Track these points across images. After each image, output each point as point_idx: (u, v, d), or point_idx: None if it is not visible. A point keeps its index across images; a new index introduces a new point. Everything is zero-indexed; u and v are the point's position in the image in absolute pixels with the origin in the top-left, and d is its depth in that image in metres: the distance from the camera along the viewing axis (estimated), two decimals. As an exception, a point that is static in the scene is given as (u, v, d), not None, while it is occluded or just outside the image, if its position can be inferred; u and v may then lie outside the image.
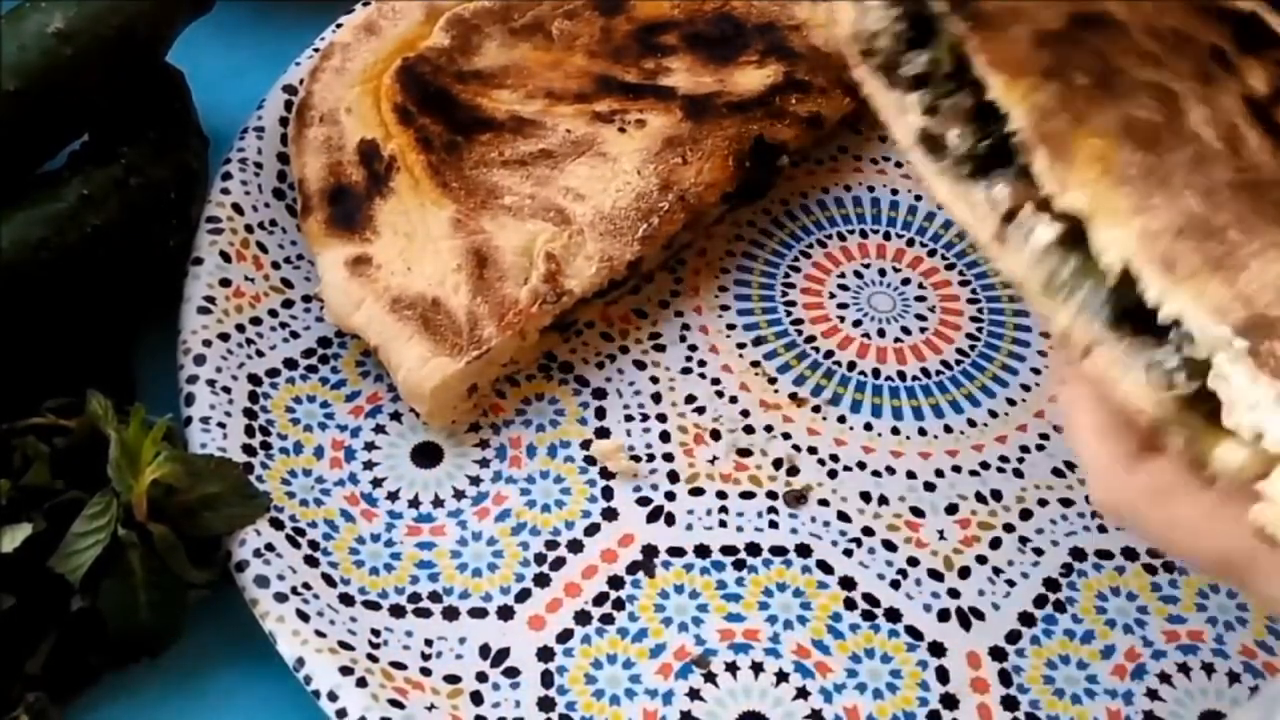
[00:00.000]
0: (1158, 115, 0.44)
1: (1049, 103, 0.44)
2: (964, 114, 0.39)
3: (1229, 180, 0.43)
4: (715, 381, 0.63)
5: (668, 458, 0.60)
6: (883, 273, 0.67)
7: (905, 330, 0.65)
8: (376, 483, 0.58)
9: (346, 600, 0.54)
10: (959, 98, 0.42)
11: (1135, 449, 0.40)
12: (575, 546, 0.57)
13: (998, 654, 0.54)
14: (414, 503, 0.58)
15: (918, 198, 0.70)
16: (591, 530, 0.57)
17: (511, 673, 0.53)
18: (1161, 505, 0.39)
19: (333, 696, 0.49)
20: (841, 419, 0.62)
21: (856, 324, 0.65)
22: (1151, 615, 0.56)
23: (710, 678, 0.53)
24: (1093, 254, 0.41)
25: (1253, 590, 0.38)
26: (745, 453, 0.60)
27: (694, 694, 0.53)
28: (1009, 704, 0.53)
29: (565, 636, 0.54)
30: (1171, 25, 0.46)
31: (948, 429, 0.62)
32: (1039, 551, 0.58)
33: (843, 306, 0.66)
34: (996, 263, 0.40)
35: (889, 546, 0.57)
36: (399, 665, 0.52)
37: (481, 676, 0.53)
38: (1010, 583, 0.57)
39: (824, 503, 0.59)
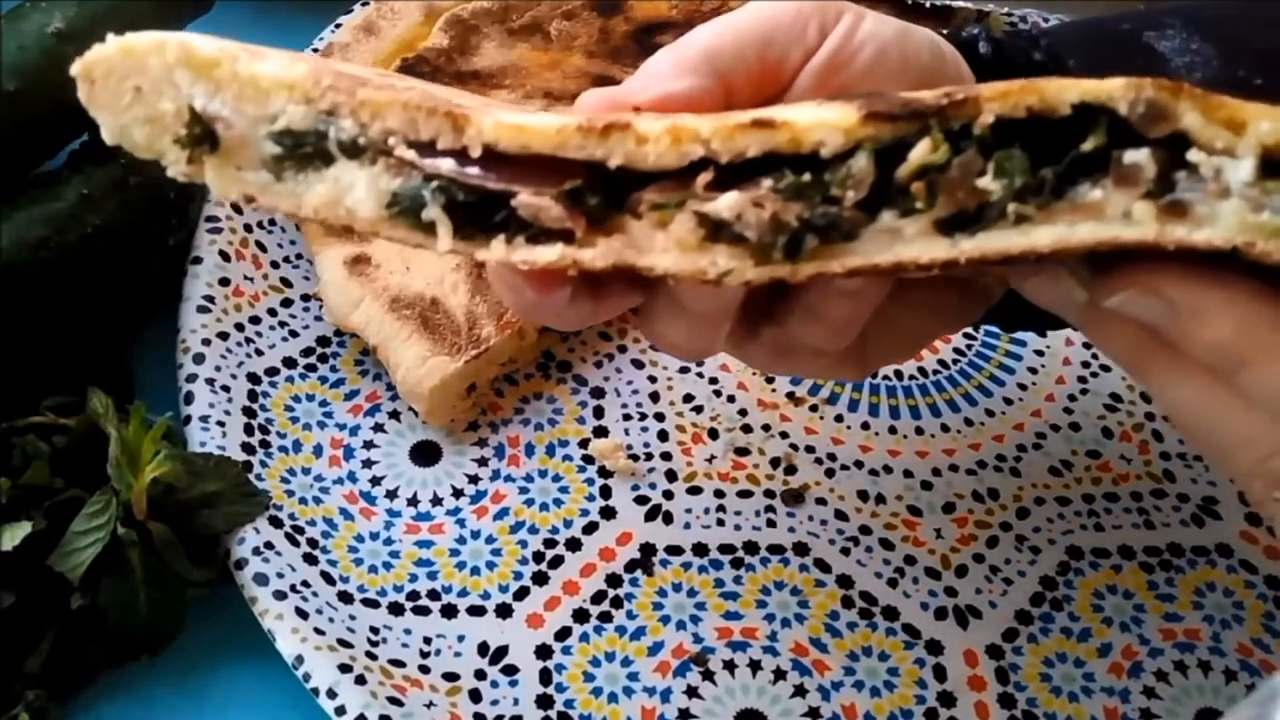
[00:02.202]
0: None
1: None
2: (973, 172, 0.38)
3: None
4: (713, 381, 0.63)
5: (666, 456, 0.60)
6: (880, 272, 0.67)
7: (903, 330, 0.65)
8: (375, 481, 0.58)
9: (345, 598, 0.54)
10: (958, 170, 0.39)
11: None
12: (573, 545, 0.57)
13: (995, 652, 0.55)
14: (413, 501, 0.58)
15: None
16: (590, 529, 0.57)
17: (510, 670, 0.53)
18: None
19: (331, 694, 0.49)
20: (839, 418, 0.62)
21: (854, 323, 0.65)
22: (1148, 613, 0.56)
23: (708, 675, 0.53)
24: None
25: None
26: (743, 452, 0.60)
27: (692, 692, 0.53)
28: (1006, 701, 0.53)
29: (563, 634, 0.54)
30: None
31: (945, 428, 0.62)
32: (1036, 550, 0.58)
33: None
34: (1188, 238, 0.35)
35: (886, 545, 0.58)
36: (398, 663, 0.52)
37: (480, 674, 0.53)
38: (1007, 581, 0.57)
39: (821, 501, 0.59)
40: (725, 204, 0.36)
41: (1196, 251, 0.35)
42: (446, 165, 0.36)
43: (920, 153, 0.35)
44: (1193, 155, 0.35)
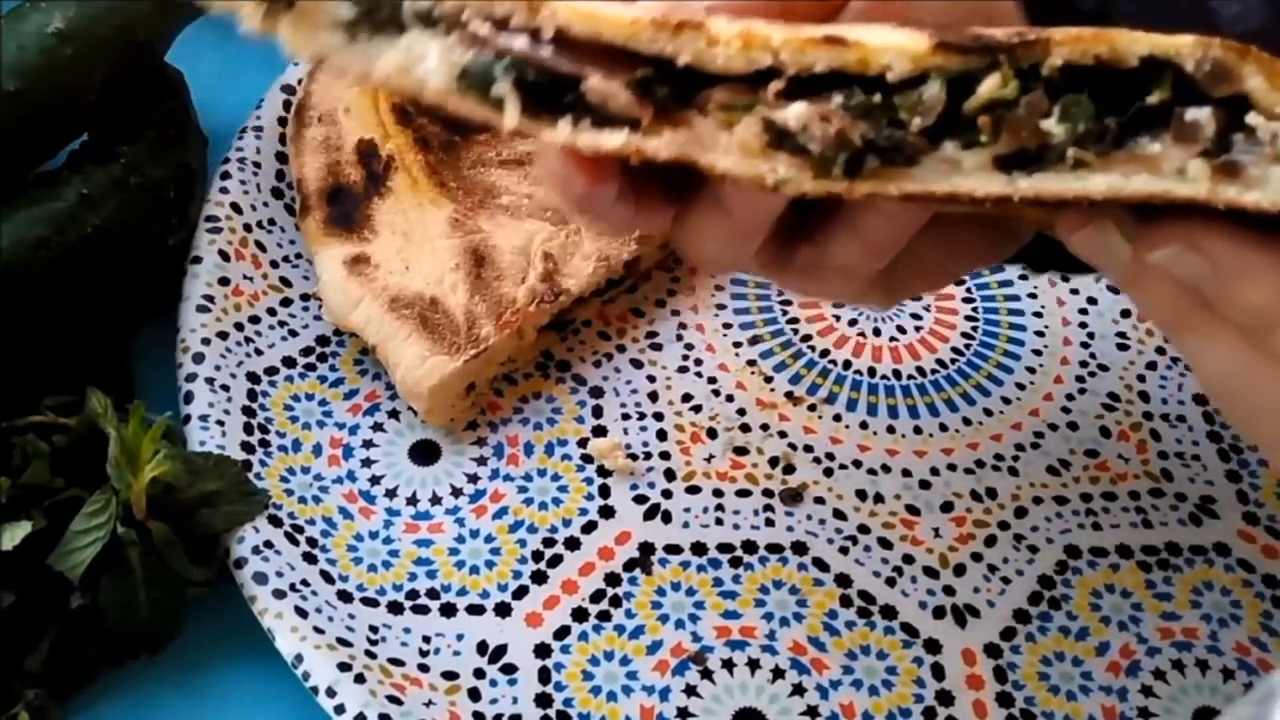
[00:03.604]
0: None
1: None
2: (1038, 113, 0.38)
3: None
4: (712, 380, 0.63)
5: (664, 456, 0.60)
6: (879, 272, 0.67)
7: (900, 329, 0.65)
8: (375, 480, 0.58)
9: (345, 597, 0.54)
10: (1025, 108, 0.39)
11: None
12: (572, 544, 0.57)
13: (993, 651, 0.55)
14: (412, 500, 0.58)
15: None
16: (589, 528, 0.57)
17: (509, 669, 0.53)
18: None
19: (331, 692, 0.49)
20: (837, 417, 0.62)
21: (852, 323, 0.65)
22: (1146, 612, 0.56)
23: (707, 674, 0.53)
24: None
25: None
26: (742, 451, 0.60)
27: (690, 690, 0.53)
28: (1004, 700, 0.53)
29: (562, 633, 0.54)
30: None
31: (943, 427, 0.62)
32: (1034, 549, 0.58)
33: (838, 305, 0.66)
34: (1238, 199, 0.35)
35: (884, 544, 0.58)
36: (397, 662, 0.52)
37: (479, 673, 0.53)
38: (1005, 580, 0.57)
39: (820, 500, 0.59)
40: (794, 114, 0.36)
41: (1244, 214, 0.36)
42: (519, 44, 0.36)
43: (990, 86, 0.36)
44: (1252, 118, 0.35)
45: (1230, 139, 0.36)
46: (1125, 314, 0.66)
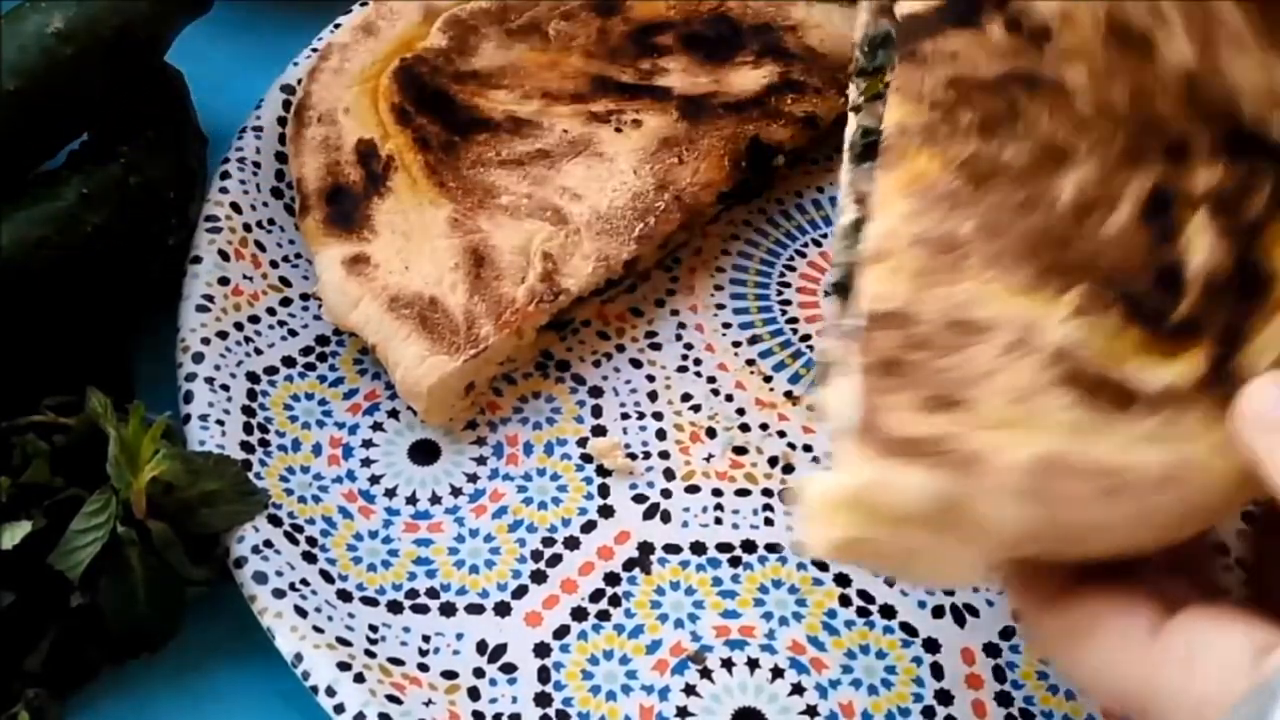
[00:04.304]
0: (1019, 158, 0.47)
1: (910, 120, 0.47)
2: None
3: (1022, 228, 0.46)
4: (711, 380, 0.63)
5: (664, 455, 0.60)
6: (878, 272, 0.67)
7: (900, 329, 0.65)
8: (374, 480, 0.58)
9: (344, 596, 0.54)
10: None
11: (1052, 594, 0.43)
12: (572, 543, 0.57)
13: (992, 650, 0.55)
14: (411, 500, 0.58)
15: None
16: (588, 527, 0.57)
17: (508, 669, 0.53)
18: (1070, 648, 0.42)
19: (330, 692, 0.49)
20: (837, 417, 0.62)
21: (852, 323, 0.66)
22: (1144, 611, 0.56)
23: (706, 673, 0.53)
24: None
25: None
26: (741, 450, 0.60)
27: (690, 690, 0.53)
28: (1003, 700, 0.53)
29: (562, 633, 0.54)
30: (1134, 109, 0.48)
31: (942, 427, 0.62)
32: (1033, 548, 0.58)
33: (839, 306, 0.66)
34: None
35: (884, 543, 0.58)
36: (396, 661, 0.52)
37: (479, 672, 0.53)
38: (1004, 579, 0.57)
39: (819, 500, 0.59)
40: None
41: None
42: None
43: None
44: None
45: None
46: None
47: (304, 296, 0.63)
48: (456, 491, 0.58)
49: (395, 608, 0.54)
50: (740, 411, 0.62)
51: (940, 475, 0.41)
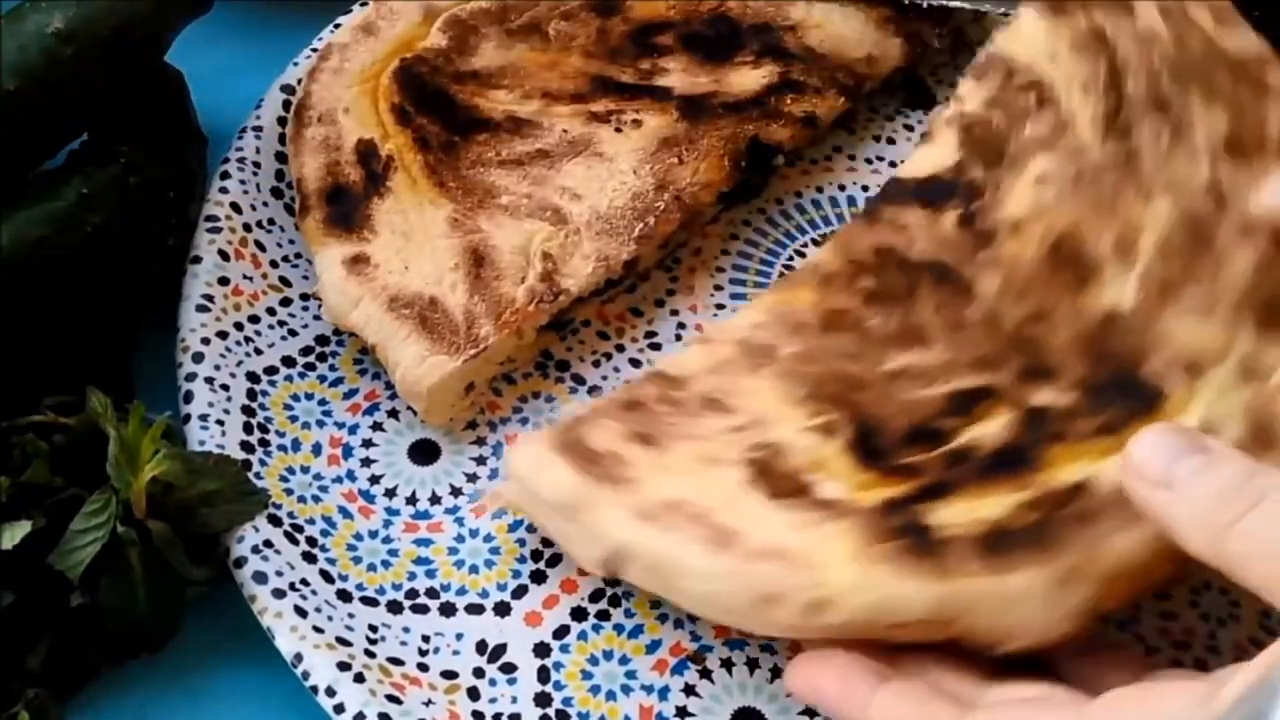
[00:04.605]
0: (881, 328, 0.52)
1: (825, 263, 0.56)
2: None
3: (833, 368, 0.51)
4: (711, 380, 0.63)
5: (664, 455, 0.60)
6: (878, 272, 0.67)
7: (900, 329, 0.65)
8: (374, 480, 0.58)
9: (344, 596, 0.54)
10: None
11: (872, 684, 0.45)
12: (572, 543, 0.57)
13: (991, 650, 0.55)
14: (411, 499, 0.58)
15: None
16: (588, 527, 0.57)
17: (508, 668, 0.53)
18: None
19: (330, 692, 0.49)
20: (836, 417, 0.62)
21: (851, 323, 0.65)
22: (1144, 612, 0.56)
23: (705, 673, 0.53)
24: None
25: None
26: (741, 450, 0.60)
27: (689, 689, 0.53)
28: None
29: (562, 633, 0.54)
30: (1020, 330, 0.51)
31: (942, 427, 0.62)
32: (1032, 548, 0.58)
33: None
34: None
35: (883, 543, 0.58)
36: (396, 661, 0.52)
37: (478, 672, 0.53)
38: (1004, 579, 0.57)
39: (819, 500, 0.59)
40: None
41: None
42: None
43: None
44: None
45: None
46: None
47: (304, 296, 0.63)
48: (456, 491, 0.58)
49: (395, 608, 0.54)
50: (740, 411, 0.62)
51: (587, 481, 0.49)
